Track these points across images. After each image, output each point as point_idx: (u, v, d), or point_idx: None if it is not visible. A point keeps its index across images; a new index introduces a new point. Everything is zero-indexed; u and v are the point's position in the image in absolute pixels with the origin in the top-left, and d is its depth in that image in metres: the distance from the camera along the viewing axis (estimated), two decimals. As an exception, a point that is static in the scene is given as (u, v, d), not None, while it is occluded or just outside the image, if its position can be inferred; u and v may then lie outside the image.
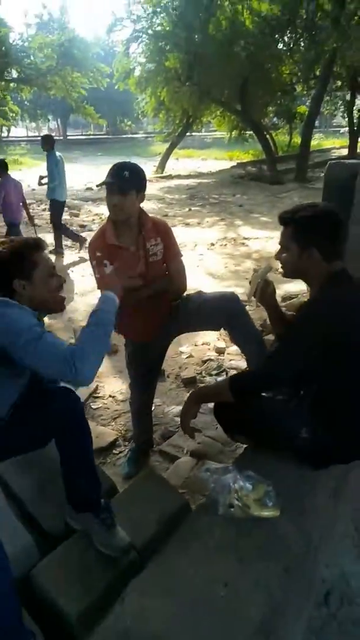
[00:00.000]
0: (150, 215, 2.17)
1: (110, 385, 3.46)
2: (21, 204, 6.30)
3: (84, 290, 5.38)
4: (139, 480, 1.93)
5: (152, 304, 2.10)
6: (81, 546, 1.59)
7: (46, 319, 1.75)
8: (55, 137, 7.54)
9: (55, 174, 6.61)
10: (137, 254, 2.09)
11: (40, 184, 6.92)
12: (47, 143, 6.57)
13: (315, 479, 1.62)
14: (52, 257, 6.37)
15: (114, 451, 2.79)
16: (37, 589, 1.48)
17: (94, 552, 1.57)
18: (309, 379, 1.70)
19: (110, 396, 3.32)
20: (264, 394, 1.82)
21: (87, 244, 3.18)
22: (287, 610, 1.22)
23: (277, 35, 13.28)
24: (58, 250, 7.01)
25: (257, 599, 1.17)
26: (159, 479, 1.96)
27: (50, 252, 6.56)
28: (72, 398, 1.56)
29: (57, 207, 6.90)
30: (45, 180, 6.77)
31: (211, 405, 2.99)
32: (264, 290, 1.87)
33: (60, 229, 7.08)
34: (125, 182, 1.96)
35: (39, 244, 1.63)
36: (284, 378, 1.68)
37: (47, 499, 1.76)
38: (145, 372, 2.46)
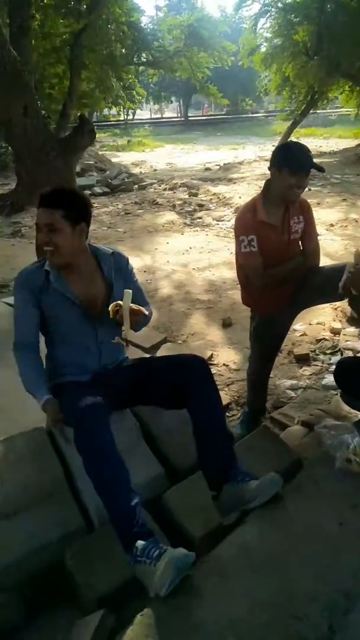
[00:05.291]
0: None
1: (224, 354, 3.66)
2: None
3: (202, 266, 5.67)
4: (255, 434, 2.07)
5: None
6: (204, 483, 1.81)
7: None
8: (176, 119, 7.63)
9: None
10: (283, 230, 2.17)
11: None
12: None
13: None
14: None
15: (227, 414, 2.99)
16: (167, 511, 1.73)
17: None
18: None
19: (224, 364, 3.52)
20: None
21: None
22: None
23: None
24: None
25: (369, 539, 1.28)
26: (273, 435, 2.10)
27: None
28: (204, 366, 1.78)
29: None
30: None
31: (325, 380, 3.08)
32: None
33: None
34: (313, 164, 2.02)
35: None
36: None
37: (175, 440, 2.00)
38: (269, 346, 2.52)
